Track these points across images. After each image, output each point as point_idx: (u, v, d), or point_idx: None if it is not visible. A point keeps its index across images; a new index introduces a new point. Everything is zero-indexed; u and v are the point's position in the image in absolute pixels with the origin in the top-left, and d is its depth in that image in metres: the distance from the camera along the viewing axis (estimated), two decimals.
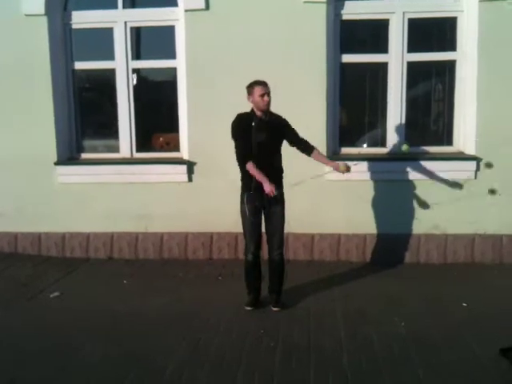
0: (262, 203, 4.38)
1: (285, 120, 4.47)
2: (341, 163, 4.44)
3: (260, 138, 4.28)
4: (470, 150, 5.75)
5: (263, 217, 4.49)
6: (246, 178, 4.39)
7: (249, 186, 4.37)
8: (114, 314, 4.47)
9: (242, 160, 4.33)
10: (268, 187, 4.18)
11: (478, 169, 5.68)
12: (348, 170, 4.40)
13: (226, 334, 4.05)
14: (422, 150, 5.94)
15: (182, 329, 4.15)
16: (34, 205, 6.10)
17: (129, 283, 5.29)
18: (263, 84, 4.28)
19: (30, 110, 5.98)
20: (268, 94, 4.26)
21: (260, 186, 4.28)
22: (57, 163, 6.04)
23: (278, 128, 4.38)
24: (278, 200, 4.38)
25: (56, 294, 4.99)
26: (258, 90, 4.24)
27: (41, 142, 5.99)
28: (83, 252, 6.12)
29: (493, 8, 5.47)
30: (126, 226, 6.04)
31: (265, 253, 4.69)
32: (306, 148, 4.52)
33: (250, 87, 4.31)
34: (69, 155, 6.23)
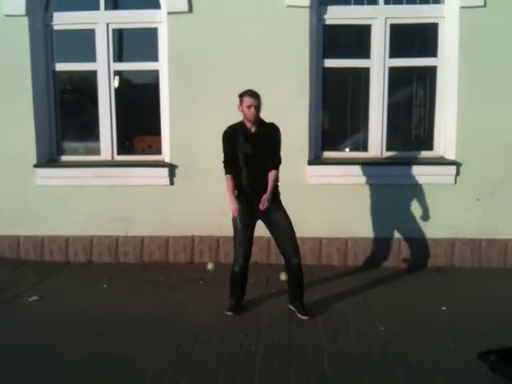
0: (255, 215, 4.33)
1: (276, 131, 4.37)
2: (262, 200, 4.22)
3: (247, 149, 4.24)
4: (451, 155, 5.81)
5: (267, 227, 4.42)
6: (239, 186, 4.35)
7: (242, 193, 4.33)
8: (94, 318, 4.42)
9: (225, 170, 4.35)
10: (232, 207, 4.25)
11: (457, 173, 5.73)
12: None
13: (206, 338, 4.03)
14: (402, 155, 5.99)
15: (162, 333, 4.12)
16: (12, 208, 6.02)
17: (109, 287, 5.23)
18: (253, 95, 4.22)
19: (9, 112, 5.90)
20: (257, 106, 4.21)
21: (253, 195, 4.27)
22: (36, 165, 5.96)
23: (267, 138, 4.30)
24: (272, 208, 4.30)
25: (35, 297, 4.92)
26: (246, 101, 4.21)
27: (20, 143, 5.91)
28: (62, 256, 6.04)
29: (473, 15, 5.54)
30: (106, 229, 5.98)
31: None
32: (270, 164, 4.35)
33: (241, 96, 4.26)
34: (49, 157, 6.16)
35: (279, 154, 4.40)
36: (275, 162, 4.37)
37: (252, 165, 4.28)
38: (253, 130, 4.30)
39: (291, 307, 4.51)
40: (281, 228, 4.36)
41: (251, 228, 4.40)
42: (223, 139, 4.35)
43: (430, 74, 5.98)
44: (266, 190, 4.28)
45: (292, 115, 5.58)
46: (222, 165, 4.37)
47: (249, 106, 4.21)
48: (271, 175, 4.32)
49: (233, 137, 4.30)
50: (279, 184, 4.43)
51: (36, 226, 6.03)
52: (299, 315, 4.39)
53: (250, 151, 4.26)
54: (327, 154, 6.04)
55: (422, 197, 5.74)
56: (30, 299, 4.88)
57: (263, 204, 4.17)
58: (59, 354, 3.77)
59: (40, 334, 4.14)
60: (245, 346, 3.89)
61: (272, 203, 4.29)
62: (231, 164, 4.33)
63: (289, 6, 5.59)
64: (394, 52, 5.86)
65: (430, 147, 6.04)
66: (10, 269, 5.76)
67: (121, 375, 3.50)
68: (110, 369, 3.57)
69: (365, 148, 6.06)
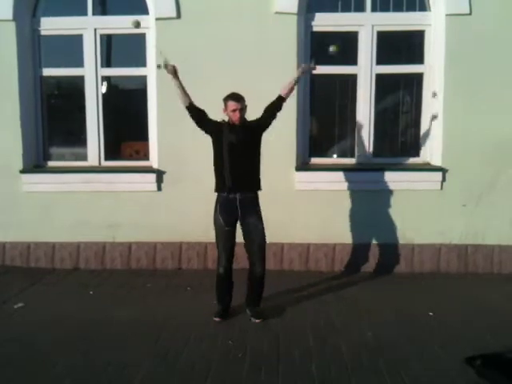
0: (235, 210, 4.35)
1: (257, 119, 4.46)
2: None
3: (232, 138, 4.27)
4: (437, 161, 5.86)
5: (242, 229, 4.43)
6: (219, 180, 4.38)
7: (222, 188, 4.34)
8: (80, 325, 4.38)
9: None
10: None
11: (444, 179, 5.78)
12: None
13: (194, 345, 4.01)
14: (389, 161, 6.03)
15: (150, 339, 4.09)
16: None
17: (95, 294, 5.19)
18: (236, 99, 4.27)
19: None
20: (241, 109, 4.27)
21: (235, 189, 4.29)
22: (22, 171, 5.91)
23: (252, 128, 4.37)
24: (251, 211, 4.36)
25: (20, 304, 4.87)
26: (230, 105, 4.28)
27: (6, 149, 5.87)
28: (48, 262, 5.99)
29: (459, 22, 5.61)
30: (92, 235, 5.94)
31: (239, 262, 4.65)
32: (278, 102, 4.51)
33: (225, 100, 4.32)
34: (35, 163, 6.12)
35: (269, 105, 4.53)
36: (275, 100, 4.53)
37: (235, 155, 4.28)
38: (238, 123, 4.32)
39: (247, 310, 4.57)
40: (254, 233, 4.38)
41: (233, 226, 4.41)
42: (210, 119, 4.42)
43: (416, 80, 6.03)
44: (249, 183, 4.35)
45: (280, 121, 5.55)
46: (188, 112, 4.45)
47: (233, 110, 4.27)
48: (284, 89, 4.56)
49: (219, 125, 4.35)
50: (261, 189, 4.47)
51: (22, 232, 5.98)
52: (253, 319, 4.46)
53: (235, 141, 4.28)
54: (315, 160, 6.06)
55: (409, 203, 5.78)
56: (16, 306, 4.83)
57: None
58: (44, 362, 3.73)
59: (25, 341, 4.08)
60: (232, 352, 3.88)
61: (252, 206, 4.36)
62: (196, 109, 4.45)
63: (277, 13, 5.62)
64: (381, 59, 5.92)
65: (416, 153, 6.09)
66: None
67: (108, 381, 3.47)
68: (97, 375, 3.55)
69: (352, 154, 6.09)
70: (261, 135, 4.44)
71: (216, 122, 4.41)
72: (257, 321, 4.44)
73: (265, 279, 4.52)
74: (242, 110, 4.30)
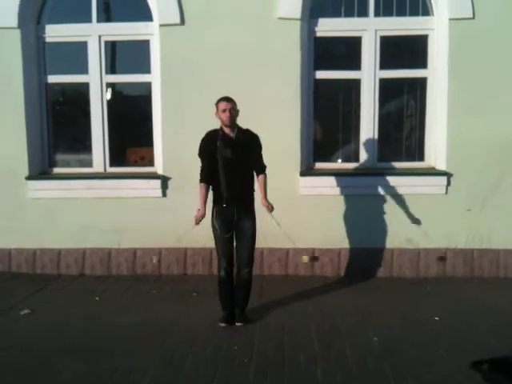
0: (232, 218, 4.39)
1: (255, 137, 4.49)
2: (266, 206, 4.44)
3: (227, 153, 4.33)
4: (441, 166, 5.85)
5: (235, 231, 4.47)
6: (216, 193, 4.45)
7: (220, 200, 4.41)
8: (86, 331, 4.39)
9: (200, 178, 4.47)
10: (198, 214, 4.39)
11: (448, 184, 5.77)
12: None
13: (200, 350, 4.01)
14: (394, 166, 6.02)
15: (156, 345, 4.09)
16: (4, 220, 5.98)
17: (101, 300, 5.21)
18: (226, 100, 4.35)
19: (1, 124, 5.89)
20: (231, 109, 4.31)
21: (232, 199, 4.35)
22: (28, 178, 5.94)
23: (246, 144, 4.41)
24: (247, 217, 4.42)
25: (26, 311, 4.89)
26: (220, 106, 4.34)
27: (12, 156, 5.90)
28: (54, 268, 6.00)
29: (462, 26, 5.61)
30: (98, 241, 5.96)
31: None
32: (257, 170, 4.53)
33: (216, 103, 4.39)
34: (41, 170, 6.14)
35: (262, 160, 4.53)
36: (261, 168, 4.52)
37: (231, 169, 4.35)
38: (231, 134, 4.39)
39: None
40: (245, 237, 4.47)
41: (230, 230, 4.45)
42: (201, 146, 4.47)
43: (420, 85, 6.04)
44: (245, 194, 4.42)
45: (284, 127, 5.62)
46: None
47: (223, 110, 4.32)
48: (261, 179, 4.51)
49: (211, 142, 4.39)
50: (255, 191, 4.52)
51: (28, 238, 6.00)
52: (236, 322, 4.49)
53: (230, 155, 4.34)
54: (319, 165, 6.06)
55: (414, 207, 5.77)
56: (22, 312, 4.85)
57: (269, 208, 4.41)
58: (50, 369, 3.74)
59: (31, 347, 4.10)
60: (238, 357, 3.88)
61: (247, 213, 4.44)
62: (207, 172, 4.43)
63: (280, 19, 5.64)
64: (385, 63, 5.92)
65: (421, 158, 6.08)
66: (1, 282, 5.72)
67: None
68: (103, 381, 3.55)
69: (356, 159, 6.09)
70: (251, 153, 4.48)
71: (210, 140, 4.42)
72: (238, 324, 4.48)
73: (251, 283, 4.58)
74: (233, 110, 4.34)
